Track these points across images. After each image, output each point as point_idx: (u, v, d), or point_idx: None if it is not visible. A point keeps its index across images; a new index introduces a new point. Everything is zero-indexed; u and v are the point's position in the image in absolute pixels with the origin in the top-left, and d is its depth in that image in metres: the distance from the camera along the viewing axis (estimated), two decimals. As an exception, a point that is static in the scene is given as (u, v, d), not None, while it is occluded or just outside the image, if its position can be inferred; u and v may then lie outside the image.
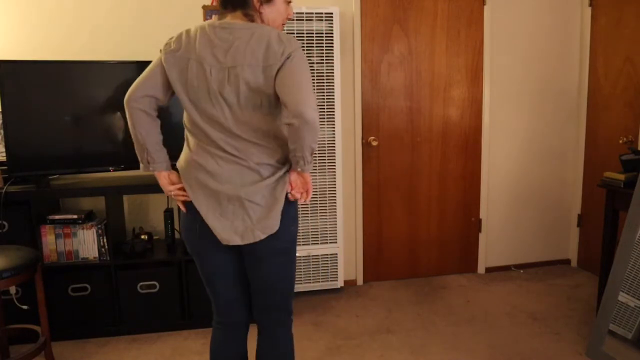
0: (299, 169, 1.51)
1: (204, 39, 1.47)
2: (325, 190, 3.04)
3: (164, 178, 1.61)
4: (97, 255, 2.60)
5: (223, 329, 1.72)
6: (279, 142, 1.54)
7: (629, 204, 2.27)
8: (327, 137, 2.99)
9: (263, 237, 1.52)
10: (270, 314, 1.68)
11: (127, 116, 1.52)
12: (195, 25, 1.52)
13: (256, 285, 1.65)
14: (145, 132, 1.53)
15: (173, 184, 1.60)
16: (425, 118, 3.30)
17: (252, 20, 1.52)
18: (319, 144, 2.98)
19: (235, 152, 1.50)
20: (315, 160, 2.99)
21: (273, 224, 1.52)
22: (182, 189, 1.58)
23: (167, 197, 2.98)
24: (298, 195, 1.57)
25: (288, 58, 1.42)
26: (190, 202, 1.56)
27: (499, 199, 3.49)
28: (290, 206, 1.58)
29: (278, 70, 1.42)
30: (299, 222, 3.02)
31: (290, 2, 1.60)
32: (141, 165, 1.60)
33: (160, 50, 1.51)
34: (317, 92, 2.93)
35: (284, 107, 1.42)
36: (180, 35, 1.51)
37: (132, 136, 1.55)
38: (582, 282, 3.31)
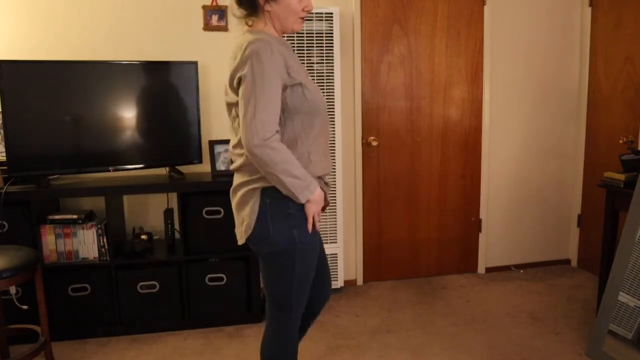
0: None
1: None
2: (325, 190, 3.03)
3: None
4: (97, 255, 2.60)
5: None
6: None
7: (629, 204, 2.27)
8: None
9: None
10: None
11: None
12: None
13: None
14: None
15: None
16: (426, 118, 3.30)
17: (251, 25, 1.48)
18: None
19: None
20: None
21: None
22: None
23: (167, 197, 2.97)
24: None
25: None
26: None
27: (499, 199, 3.49)
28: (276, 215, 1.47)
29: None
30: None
31: None
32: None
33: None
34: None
35: None
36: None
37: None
38: (582, 282, 3.31)
